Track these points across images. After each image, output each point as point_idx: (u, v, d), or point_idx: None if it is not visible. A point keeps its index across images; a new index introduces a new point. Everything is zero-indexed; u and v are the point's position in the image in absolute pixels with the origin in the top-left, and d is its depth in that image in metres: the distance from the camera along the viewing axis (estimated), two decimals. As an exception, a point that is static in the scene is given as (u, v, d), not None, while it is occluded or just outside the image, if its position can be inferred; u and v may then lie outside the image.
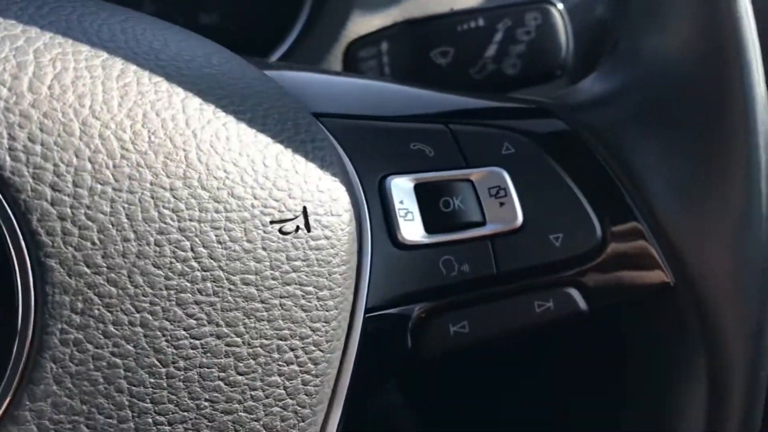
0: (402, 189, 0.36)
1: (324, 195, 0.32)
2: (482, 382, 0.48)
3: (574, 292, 0.38)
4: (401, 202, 0.36)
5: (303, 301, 0.30)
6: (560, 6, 0.55)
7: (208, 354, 0.28)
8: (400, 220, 0.35)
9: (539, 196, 0.38)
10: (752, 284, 0.38)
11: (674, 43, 0.38)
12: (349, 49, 0.57)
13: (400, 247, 0.35)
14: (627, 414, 0.43)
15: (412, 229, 0.36)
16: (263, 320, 0.29)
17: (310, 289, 0.30)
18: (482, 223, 0.37)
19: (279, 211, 0.30)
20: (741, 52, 0.37)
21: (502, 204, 0.37)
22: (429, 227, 0.36)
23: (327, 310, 0.31)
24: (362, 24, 0.72)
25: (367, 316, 0.34)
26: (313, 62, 0.71)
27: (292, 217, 0.30)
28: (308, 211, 0.31)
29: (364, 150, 0.36)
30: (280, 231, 0.30)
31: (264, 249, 0.29)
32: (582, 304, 0.38)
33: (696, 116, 0.38)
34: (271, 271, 0.30)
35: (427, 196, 0.36)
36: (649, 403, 0.41)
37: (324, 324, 0.31)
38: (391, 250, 0.35)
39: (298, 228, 0.30)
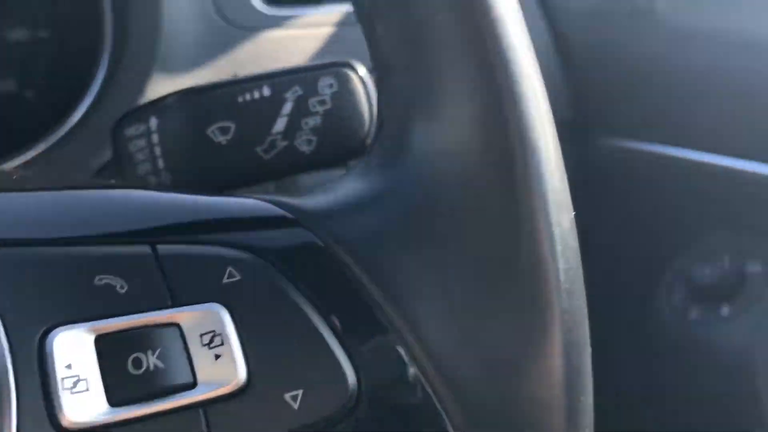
0: (74, 346, 0.26)
1: None
2: None
3: None
4: (68, 367, 0.26)
5: None
6: (361, 70, 0.47)
7: None
8: (64, 394, 0.25)
9: (271, 339, 0.28)
10: (559, 425, 0.30)
11: (448, 133, 0.30)
12: (116, 126, 0.47)
13: None
14: None
15: (85, 404, 0.26)
16: None
17: None
18: (192, 385, 0.27)
19: None
20: (526, 140, 0.29)
21: (218, 357, 0.28)
22: (114, 398, 0.26)
23: None
24: (165, 88, 0.62)
25: None
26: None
27: None
28: None
29: (20, 292, 0.26)
30: None
31: None
32: None
33: (471, 225, 0.29)
34: None
35: (113, 353, 0.27)
36: None
37: None
38: None
39: None
